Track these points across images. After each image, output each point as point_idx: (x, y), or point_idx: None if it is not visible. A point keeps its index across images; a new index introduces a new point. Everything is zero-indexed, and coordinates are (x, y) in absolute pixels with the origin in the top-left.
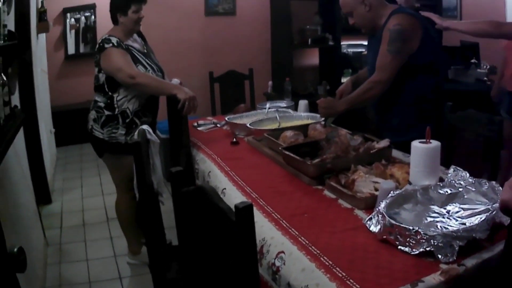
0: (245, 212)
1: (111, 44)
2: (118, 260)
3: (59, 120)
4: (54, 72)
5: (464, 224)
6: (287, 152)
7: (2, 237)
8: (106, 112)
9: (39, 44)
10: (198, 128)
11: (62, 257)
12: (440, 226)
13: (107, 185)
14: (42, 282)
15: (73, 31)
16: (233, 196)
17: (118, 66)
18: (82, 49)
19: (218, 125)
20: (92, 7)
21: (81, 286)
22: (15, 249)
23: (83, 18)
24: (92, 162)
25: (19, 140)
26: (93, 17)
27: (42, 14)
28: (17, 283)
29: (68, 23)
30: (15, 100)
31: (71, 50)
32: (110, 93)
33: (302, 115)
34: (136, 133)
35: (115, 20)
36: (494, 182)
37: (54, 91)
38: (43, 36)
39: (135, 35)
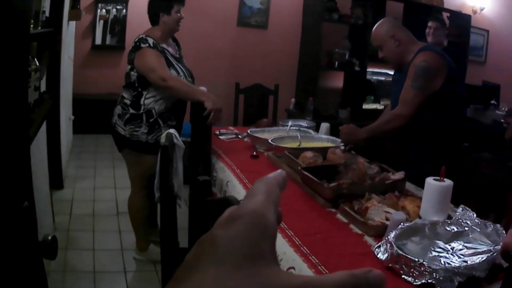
0: None
1: (147, 45)
2: (124, 253)
3: (79, 108)
4: (79, 60)
5: (466, 262)
6: (305, 173)
7: (35, 225)
8: (131, 110)
9: (69, 31)
10: (220, 137)
11: (69, 243)
12: (444, 261)
13: (121, 179)
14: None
15: (101, 22)
16: None
17: (152, 66)
18: (108, 41)
19: (239, 136)
20: (125, 1)
21: (86, 274)
22: (49, 237)
23: (114, 10)
24: (107, 154)
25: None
26: (124, 10)
27: (75, 1)
28: (43, 269)
29: (98, 13)
30: (42, 85)
31: (98, 40)
32: (140, 89)
33: (323, 137)
34: (163, 135)
35: (154, 21)
36: (498, 225)
37: (77, 79)
38: (73, 23)
39: (169, 40)
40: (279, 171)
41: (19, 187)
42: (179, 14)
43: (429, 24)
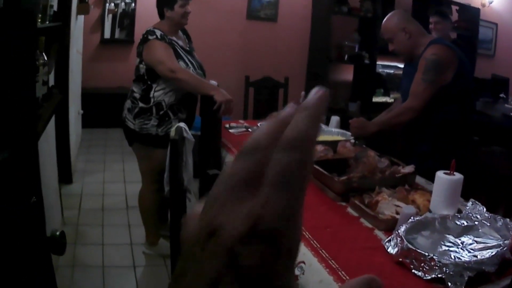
0: None
1: (154, 36)
2: (134, 248)
3: (88, 102)
4: (88, 54)
5: (476, 256)
6: (316, 166)
7: (43, 220)
8: (140, 104)
9: (77, 25)
10: (230, 130)
11: (78, 238)
12: (454, 256)
13: (130, 173)
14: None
15: (110, 16)
16: None
17: (160, 58)
18: (117, 35)
19: (249, 129)
20: None
21: (95, 269)
22: (58, 233)
23: (122, 4)
24: (117, 147)
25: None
26: (133, 4)
27: None
28: (51, 265)
29: (107, 7)
30: (50, 79)
31: (107, 34)
32: (149, 82)
33: (333, 131)
34: (173, 129)
35: (161, 15)
36: (508, 220)
37: (86, 73)
38: (81, 17)
39: (180, 32)
40: (318, 95)
41: (27, 183)
42: (183, 9)
43: (430, 19)
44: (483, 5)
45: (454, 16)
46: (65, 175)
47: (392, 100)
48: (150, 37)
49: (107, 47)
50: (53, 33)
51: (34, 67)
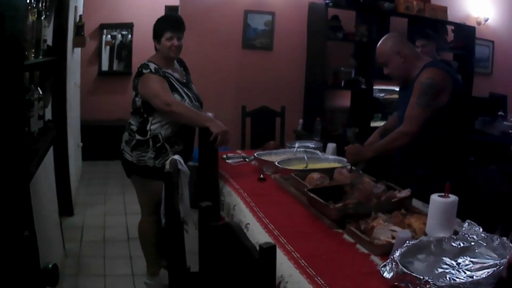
0: (268, 252)
1: (149, 70)
2: (135, 279)
3: (87, 134)
4: (86, 87)
5: (472, 277)
6: (311, 194)
7: (36, 254)
8: (137, 137)
9: (74, 58)
10: (227, 161)
11: (80, 269)
12: (449, 278)
13: (131, 205)
14: None
15: (108, 47)
16: (256, 232)
17: (155, 92)
18: (115, 67)
19: (246, 159)
20: (130, 26)
21: None
22: (50, 265)
23: (119, 35)
24: (117, 180)
25: (48, 152)
26: (129, 36)
27: (79, 28)
28: None
29: (104, 39)
30: (47, 113)
31: (105, 66)
32: (145, 115)
33: (330, 158)
34: (168, 162)
35: (155, 47)
36: (505, 239)
37: (84, 106)
38: (78, 50)
39: (176, 64)
40: None
41: (19, 217)
42: (170, 42)
43: (416, 43)
44: (479, 23)
45: (450, 36)
46: (66, 208)
47: None
48: (144, 71)
49: (105, 79)
50: (49, 67)
51: (23, 111)
